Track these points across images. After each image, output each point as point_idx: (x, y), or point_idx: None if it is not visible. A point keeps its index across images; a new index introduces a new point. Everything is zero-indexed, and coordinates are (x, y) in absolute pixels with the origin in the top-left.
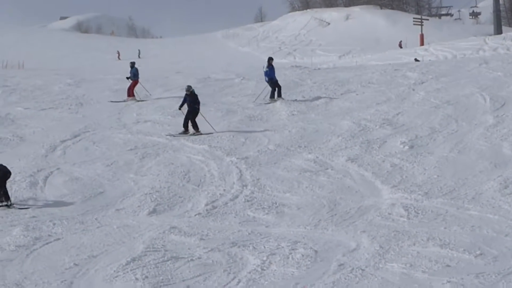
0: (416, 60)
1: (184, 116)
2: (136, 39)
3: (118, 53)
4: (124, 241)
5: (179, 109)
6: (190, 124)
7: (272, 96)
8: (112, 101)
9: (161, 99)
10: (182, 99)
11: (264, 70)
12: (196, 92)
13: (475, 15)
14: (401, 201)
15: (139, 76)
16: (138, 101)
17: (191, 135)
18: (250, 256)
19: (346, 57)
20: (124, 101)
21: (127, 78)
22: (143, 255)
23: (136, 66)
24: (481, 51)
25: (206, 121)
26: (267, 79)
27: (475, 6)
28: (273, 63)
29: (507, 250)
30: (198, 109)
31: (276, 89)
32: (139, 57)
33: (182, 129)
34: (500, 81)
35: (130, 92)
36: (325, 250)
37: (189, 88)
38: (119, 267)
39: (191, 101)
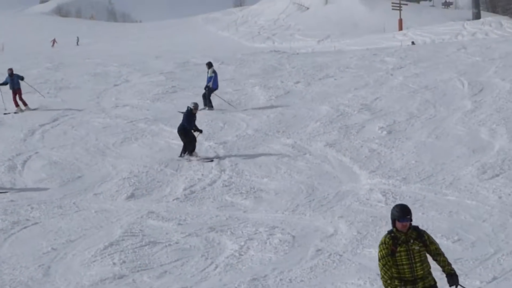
0: (412, 43)
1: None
2: (116, 23)
3: (54, 40)
4: (102, 225)
5: (197, 131)
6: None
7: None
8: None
9: (140, 83)
10: (192, 121)
11: (209, 76)
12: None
13: (447, 4)
14: (379, 187)
15: (19, 85)
16: (23, 111)
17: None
18: (228, 241)
19: (324, 42)
20: (16, 112)
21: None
22: (121, 240)
23: (17, 73)
24: (459, 36)
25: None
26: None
27: None
28: (214, 67)
29: (485, 236)
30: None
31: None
32: (77, 44)
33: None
34: (479, 66)
35: (17, 102)
36: (302, 235)
37: (196, 107)
38: (97, 252)
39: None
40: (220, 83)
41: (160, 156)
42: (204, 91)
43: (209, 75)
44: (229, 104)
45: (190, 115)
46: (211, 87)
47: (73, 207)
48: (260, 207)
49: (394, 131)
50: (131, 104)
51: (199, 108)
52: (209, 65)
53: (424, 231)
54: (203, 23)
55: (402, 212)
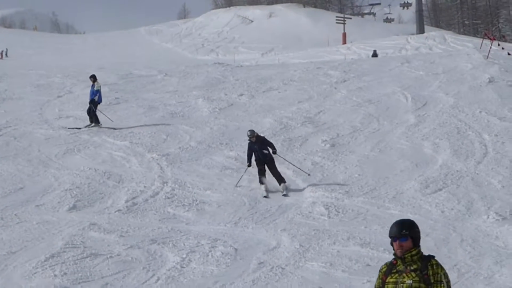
0: (374, 53)
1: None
2: (59, 34)
3: (2, 51)
4: (44, 237)
5: (249, 165)
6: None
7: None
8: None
9: (83, 95)
10: (246, 150)
11: (95, 89)
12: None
13: (388, 21)
14: (321, 200)
15: None
16: None
17: (284, 195)
18: (170, 254)
19: (268, 54)
20: None
21: None
22: (62, 252)
23: None
24: (403, 50)
25: (295, 166)
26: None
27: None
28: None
29: (428, 251)
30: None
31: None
32: (6, 55)
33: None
34: (422, 80)
35: None
36: (245, 248)
37: (253, 133)
38: (38, 264)
39: (261, 148)
40: (163, 95)
41: (103, 168)
42: (89, 106)
43: (95, 89)
44: (108, 118)
45: (250, 144)
46: (97, 101)
47: (14, 219)
48: (203, 219)
49: (337, 144)
50: (74, 115)
51: (89, 126)
52: (95, 78)
53: (437, 264)
54: (146, 35)
55: (395, 227)
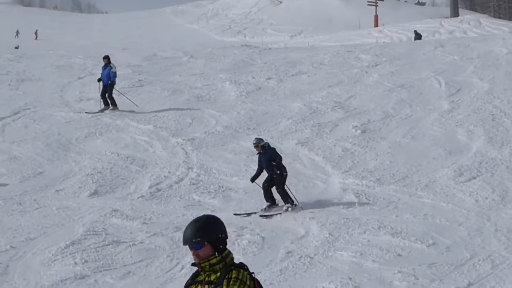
0: (417, 34)
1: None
2: (80, 14)
3: (36, 32)
4: (64, 223)
5: (252, 181)
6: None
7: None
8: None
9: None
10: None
11: (113, 71)
12: (270, 146)
13: (421, 4)
14: (352, 187)
15: None
16: None
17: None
18: None
19: (297, 37)
20: None
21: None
22: (83, 239)
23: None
24: (437, 34)
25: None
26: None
27: None
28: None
29: (461, 240)
30: (284, 173)
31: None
32: (17, 36)
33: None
34: (456, 65)
35: None
36: (272, 236)
37: (258, 142)
38: (58, 251)
39: (268, 160)
40: (188, 77)
41: (125, 152)
42: (105, 89)
43: (113, 70)
44: (132, 102)
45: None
46: (114, 82)
47: (33, 204)
48: (229, 207)
49: (368, 130)
50: (96, 98)
51: (104, 110)
52: (109, 59)
53: (236, 278)
54: (171, 15)
55: (185, 234)
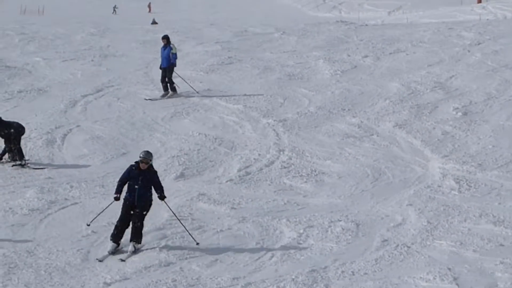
0: None
1: None
2: None
3: (150, 5)
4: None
5: (116, 198)
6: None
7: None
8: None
9: (194, 53)
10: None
11: (173, 52)
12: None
13: None
14: (452, 173)
15: None
16: None
17: None
18: (286, 228)
19: (396, 13)
20: None
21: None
22: (168, 224)
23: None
24: None
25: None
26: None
27: None
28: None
29: None
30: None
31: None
32: (114, 13)
33: None
34: None
35: None
36: (367, 224)
37: (147, 157)
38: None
39: (145, 185)
40: (280, 55)
41: (213, 133)
42: (163, 73)
43: (173, 51)
44: (192, 88)
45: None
46: (174, 64)
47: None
48: (322, 192)
49: (470, 112)
50: (182, 75)
51: (165, 96)
52: (168, 39)
53: None
54: None
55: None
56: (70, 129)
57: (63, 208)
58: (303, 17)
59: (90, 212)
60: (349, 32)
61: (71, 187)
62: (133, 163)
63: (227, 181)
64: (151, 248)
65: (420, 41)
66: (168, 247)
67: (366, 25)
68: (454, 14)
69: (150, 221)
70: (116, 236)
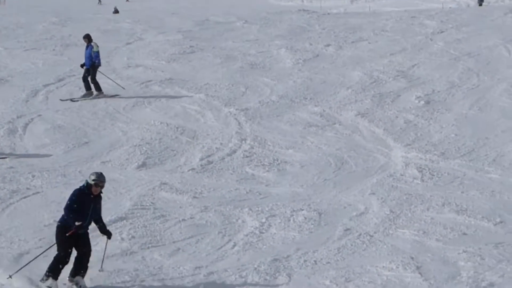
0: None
1: None
2: None
3: None
4: (110, 197)
5: (81, 224)
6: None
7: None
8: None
9: (155, 42)
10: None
11: (95, 51)
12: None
13: None
14: (415, 162)
15: None
16: None
17: None
18: (248, 217)
19: (358, 1)
20: None
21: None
22: (130, 213)
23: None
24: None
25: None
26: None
27: None
28: (93, 42)
29: None
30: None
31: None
32: (99, 3)
33: None
34: None
35: None
36: (330, 213)
37: (100, 180)
38: None
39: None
40: (242, 44)
41: (175, 122)
42: (85, 72)
43: (94, 50)
44: (118, 84)
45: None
46: (97, 64)
47: (78, 176)
48: (284, 181)
49: (432, 101)
50: (144, 65)
51: (88, 96)
52: (89, 38)
53: None
54: None
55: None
56: (32, 119)
57: (25, 197)
58: (265, 6)
59: (52, 202)
60: (311, 20)
61: (33, 176)
62: (81, 187)
63: (189, 170)
64: (113, 237)
65: (382, 30)
66: (130, 236)
67: (329, 13)
68: (416, 3)
69: (113, 210)
70: (59, 272)
